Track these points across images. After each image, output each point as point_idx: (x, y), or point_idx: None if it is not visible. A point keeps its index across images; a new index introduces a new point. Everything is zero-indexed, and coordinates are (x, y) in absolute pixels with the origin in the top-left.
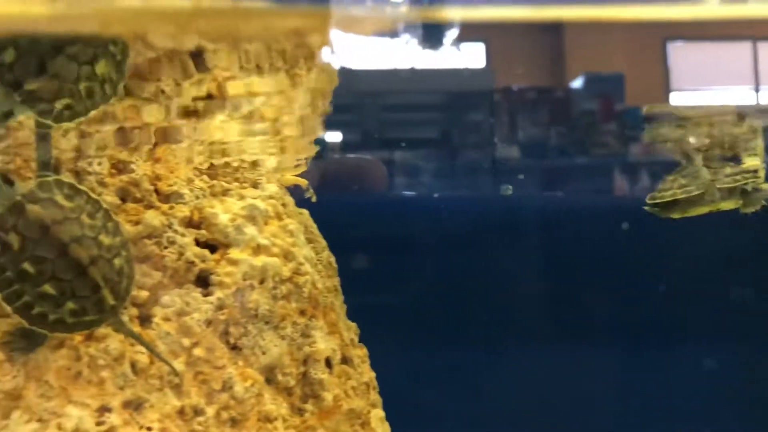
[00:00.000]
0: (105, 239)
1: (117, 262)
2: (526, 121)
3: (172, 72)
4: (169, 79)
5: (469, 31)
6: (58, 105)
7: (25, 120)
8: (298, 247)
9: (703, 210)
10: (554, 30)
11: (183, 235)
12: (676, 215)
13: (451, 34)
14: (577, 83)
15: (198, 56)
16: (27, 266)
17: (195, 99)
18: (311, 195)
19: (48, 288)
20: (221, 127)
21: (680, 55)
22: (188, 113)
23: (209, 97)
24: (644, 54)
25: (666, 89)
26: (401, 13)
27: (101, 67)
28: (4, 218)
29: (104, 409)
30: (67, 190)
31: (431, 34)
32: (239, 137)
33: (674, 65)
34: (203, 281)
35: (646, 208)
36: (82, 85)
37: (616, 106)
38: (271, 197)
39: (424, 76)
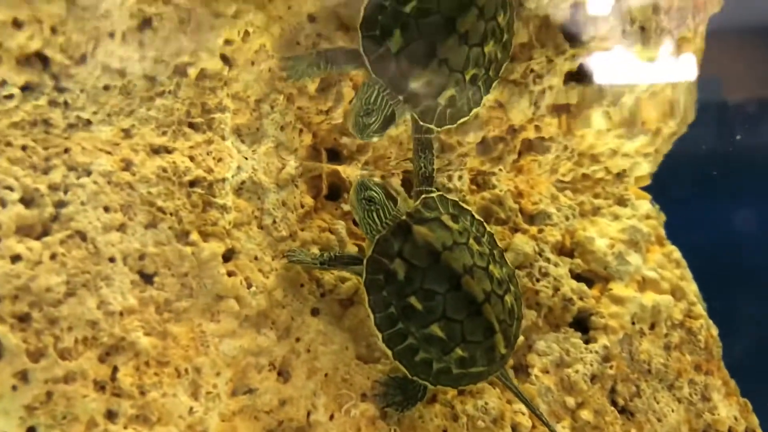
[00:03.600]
0: (495, 270)
1: (508, 299)
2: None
3: (543, 49)
4: (541, 57)
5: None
6: (442, 99)
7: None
8: (686, 281)
9: None
10: None
11: (556, 264)
12: None
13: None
14: None
15: (572, 25)
16: (413, 301)
17: (567, 86)
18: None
19: (436, 329)
20: (595, 124)
21: None
22: (558, 109)
23: (580, 77)
24: None
25: None
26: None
27: (489, 47)
28: (388, 242)
29: None
30: (452, 208)
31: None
32: (614, 141)
33: None
34: (582, 323)
35: None
36: (468, 72)
37: None
38: (647, 216)
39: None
